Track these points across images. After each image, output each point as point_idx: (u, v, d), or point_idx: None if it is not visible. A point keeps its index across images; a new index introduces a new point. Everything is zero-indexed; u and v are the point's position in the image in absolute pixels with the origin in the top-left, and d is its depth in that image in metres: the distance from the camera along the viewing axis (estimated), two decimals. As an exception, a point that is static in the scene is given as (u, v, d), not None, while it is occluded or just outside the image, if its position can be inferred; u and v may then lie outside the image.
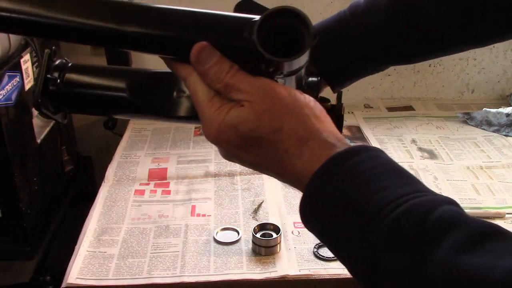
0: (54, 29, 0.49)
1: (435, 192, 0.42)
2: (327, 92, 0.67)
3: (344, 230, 0.42)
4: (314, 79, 0.61)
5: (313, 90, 0.61)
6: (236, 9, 0.54)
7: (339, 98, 0.61)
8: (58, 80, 0.62)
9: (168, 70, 0.52)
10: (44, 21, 0.48)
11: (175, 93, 0.56)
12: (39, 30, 0.49)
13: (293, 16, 0.45)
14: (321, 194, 0.43)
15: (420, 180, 0.43)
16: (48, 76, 0.61)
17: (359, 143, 0.98)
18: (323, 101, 0.60)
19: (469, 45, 0.65)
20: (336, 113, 0.60)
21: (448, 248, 0.37)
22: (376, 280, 0.40)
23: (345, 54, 0.64)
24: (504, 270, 0.34)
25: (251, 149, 0.46)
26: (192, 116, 0.55)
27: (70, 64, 0.64)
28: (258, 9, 0.54)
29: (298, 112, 0.45)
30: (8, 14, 0.48)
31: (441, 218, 0.38)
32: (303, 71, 0.48)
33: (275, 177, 0.49)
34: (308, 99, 0.47)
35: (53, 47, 0.62)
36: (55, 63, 0.63)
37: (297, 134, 0.45)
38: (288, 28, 0.45)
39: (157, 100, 0.56)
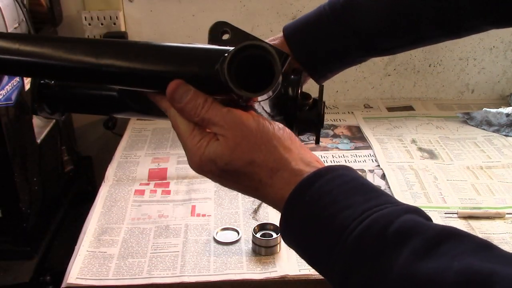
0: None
1: (398, 202, 0.44)
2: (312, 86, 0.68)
3: (316, 249, 0.46)
4: (295, 76, 0.62)
5: (294, 87, 0.63)
6: (210, 32, 0.57)
7: (320, 95, 0.63)
8: (52, 83, 0.64)
9: None
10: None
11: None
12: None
13: (261, 49, 0.46)
14: (294, 218, 0.47)
15: (386, 192, 0.46)
16: (42, 82, 0.63)
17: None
18: (305, 98, 0.62)
19: (445, 38, 0.69)
20: (317, 110, 0.63)
21: (406, 257, 0.39)
22: None
23: (326, 48, 0.68)
24: (456, 272, 0.36)
25: (231, 178, 0.50)
26: None
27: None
28: (233, 31, 0.58)
29: (267, 144, 0.49)
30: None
31: (400, 228, 0.41)
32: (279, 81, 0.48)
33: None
34: (277, 128, 0.50)
35: None
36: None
37: (268, 165, 0.49)
38: (259, 58, 0.47)
39: (144, 101, 0.56)
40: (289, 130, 0.51)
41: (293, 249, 0.49)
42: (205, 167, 0.50)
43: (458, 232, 0.40)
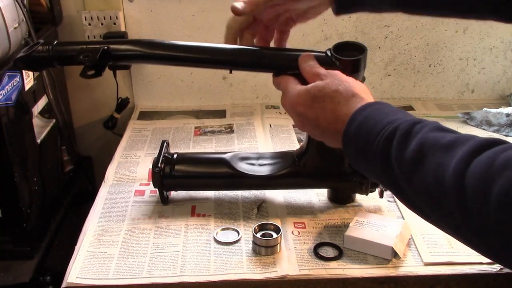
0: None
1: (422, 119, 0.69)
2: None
3: (374, 135, 0.66)
4: None
5: None
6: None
7: None
8: (169, 171, 0.97)
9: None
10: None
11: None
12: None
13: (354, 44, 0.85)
14: (362, 116, 0.69)
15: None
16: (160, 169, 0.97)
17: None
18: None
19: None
20: None
21: (426, 131, 0.64)
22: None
23: None
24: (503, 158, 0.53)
25: (317, 104, 0.73)
26: None
27: (175, 156, 0.99)
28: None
29: (346, 83, 0.74)
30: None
31: (427, 125, 0.66)
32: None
33: (323, 131, 0.74)
34: (356, 81, 0.76)
35: (167, 141, 1.03)
36: (165, 156, 0.98)
37: (348, 93, 0.72)
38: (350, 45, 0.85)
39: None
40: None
41: (350, 159, 0.71)
42: (300, 98, 0.75)
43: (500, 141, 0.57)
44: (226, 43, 0.88)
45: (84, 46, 0.85)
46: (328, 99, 0.72)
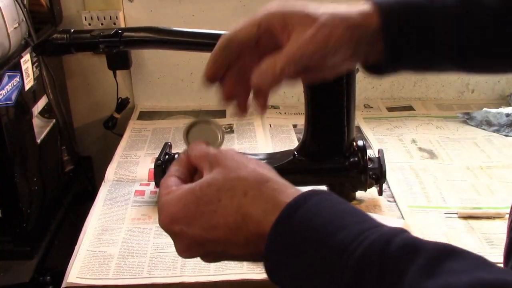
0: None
1: (386, 225, 0.43)
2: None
3: (311, 277, 0.41)
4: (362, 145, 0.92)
5: (363, 151, 0.96)
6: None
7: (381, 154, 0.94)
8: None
9: None
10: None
11: None
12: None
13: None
14: (283, 243, 0.43)
15: (368, 214, 0.45)
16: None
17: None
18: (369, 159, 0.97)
19: None
20: (380, 165, 1.00)
21: (413, 276, 0.37)
22: None
23: (424, 35, 0.55)
24: (467, 285, 0.36)
25: (207, 208, 0.46)
26: None
27: (176, 156, 0.97)
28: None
29: (257, 165, 0.49)
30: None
31: (402, 246, 0.39)
32: None
33: (230, 248, 0.47)
34: (269, 169, 0.50)
35: (169, 142, 1.03)
36: (167, 157, 0.97)
37: (256, 176, 0.47)
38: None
39: None
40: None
41: (282, 284, 0.44)
42: (178, 206, 0.47)
43: (457, 249, 0.40)
44: (212, 66, 0.57)
45: (100, 33, 0.91)
46: (225, 194, 0.46)
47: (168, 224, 0.47)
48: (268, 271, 0.44)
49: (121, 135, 1.32)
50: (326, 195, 0.45)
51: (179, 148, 1.23)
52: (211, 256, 0.49)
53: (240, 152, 0.51)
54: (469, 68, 0.58)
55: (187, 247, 0.48)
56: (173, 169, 0.52)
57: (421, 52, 0.55)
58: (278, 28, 0.53)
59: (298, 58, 0.52)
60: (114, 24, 1.37)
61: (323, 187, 1.02)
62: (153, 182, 1.01)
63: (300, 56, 0.51)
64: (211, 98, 1.49)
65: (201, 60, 1.44)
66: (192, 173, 0.52)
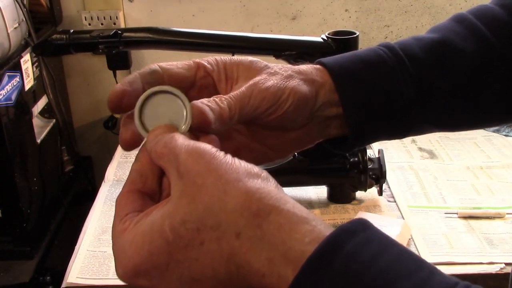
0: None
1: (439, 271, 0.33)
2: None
3: None
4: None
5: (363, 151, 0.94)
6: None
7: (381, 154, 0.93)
8: None
9: None
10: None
11: None
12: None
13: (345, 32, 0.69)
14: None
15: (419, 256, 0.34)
16: None
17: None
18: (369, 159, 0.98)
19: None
20: (380, 166, 1.00)
21: None
22: None
23: (387, 105, 0.49)
24: None
25: (184, 255, 0.33)
26: None
27: None
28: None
29: (246, 181, 0.33)
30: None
31: None
32: None
33: None
34: (259, 169, 0.36)
35: None
36: None
37: (251, 208, 0.32)
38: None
39: None
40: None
41: None
42: (141, 255, 0.34)
43: None
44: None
45: (100, 33, 0.90)
46: (208, 235, 0.33)
47: (131, 278, 0.35)
48: None
49: (121, 135, 1.32)
50: (364, 233, 0.33)
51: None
52: None
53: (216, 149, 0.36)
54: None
55: None
56: (132, 176, 0.39)
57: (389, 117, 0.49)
58: (219, 78, 0.44)
59: (247, 106, 0.42)
60: (114, 24, 1.37)
61: (324, 187, 1.02)
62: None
63: (250, 104, 0.42)
64: (211, 98, 1.49)
65: (201, 60, 1.44)
66: (158, 175, 0.38)
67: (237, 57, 0.44)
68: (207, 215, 0.32)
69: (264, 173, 0.35)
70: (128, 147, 0.41)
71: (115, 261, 0.36)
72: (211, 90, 0.43)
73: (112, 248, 0.36)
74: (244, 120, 0.42)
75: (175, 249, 0.33)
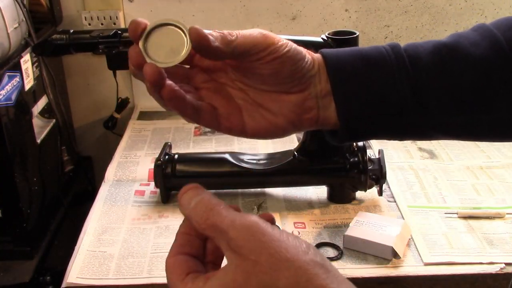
0: None
1: None
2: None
3: None
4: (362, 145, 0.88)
5: (363, 151, 0.95)
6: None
7: (381, 155, 0.92)
8: (170, 170, 0.97)
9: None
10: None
11: None
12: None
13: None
14: None
15: None
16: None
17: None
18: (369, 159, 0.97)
19: None
20: (380, 166, 0.99)
21: None
22: None
23: (381, 103, 0.50)
24: None
25: None
26: None
27: (176, 156, 0.99)
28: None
29: (296, 260, 0.36)
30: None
31: None
32: None
33: None
34: (306, 245, 0.38)
35: (170, 143, 1.05)
36: (167, 157, 0.98)
37: (300, 287, 0.35)
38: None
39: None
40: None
41: None
42: None
43: None
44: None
45: (100, 33, 0.92)
46: None
47: None
48: None
49: (121, 135, 1.32)
50: None
51: (179, 148, 1.23)
52: None
53: (265, 222, 0.39)
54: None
55: None
56: (180, 240, 0.42)
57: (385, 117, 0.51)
58: None
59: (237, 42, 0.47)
60: (114, 24, 1.37)
61: (324, 187, 1.02)
62: (153, 182, 1.01)
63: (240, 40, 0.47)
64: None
65: (201, 60, 1.45)
66: (203, 240, 0.42)
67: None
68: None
69: (312, 250, 0.37)
70: (136, 66, 0.46)
71: None
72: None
73: None
74: (244, 51, 0.47)
75: None
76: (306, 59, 0.50)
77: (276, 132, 0.52)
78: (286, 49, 0.48)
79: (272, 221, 0.40)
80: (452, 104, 0.50)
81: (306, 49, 0.51)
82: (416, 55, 0.50)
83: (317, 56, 0.52)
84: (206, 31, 0.45)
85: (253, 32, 0.48)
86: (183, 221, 0.43)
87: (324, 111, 0.51)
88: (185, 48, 0.44)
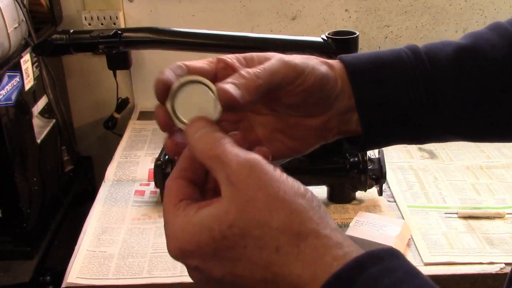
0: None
1: None
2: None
3: None
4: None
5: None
6: None
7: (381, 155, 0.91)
8: (170, 170, 0.90)
9: None
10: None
11: None
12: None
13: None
14: None
15: None
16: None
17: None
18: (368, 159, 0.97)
19: None
20: (380, 166, 0.98)
21: None
22: None
23: (403, 107, 0.49)
24: None
25: (228, 254, 0.36)
26: None
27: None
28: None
29: (292, 201, 0.37)
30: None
31: None
32: None
33: None
34: (304, 188, 0.39)
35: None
36: (167, 157, 0.97)
37: (293, 228, 0.36)
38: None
39: None
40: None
41: None
42: (191, 241, 0.37)
43: None
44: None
45: (100, 33, 0.90)
46: (251, 244, 0.36)
47: (179, 257, 0.40)
48: None
49: (121, 135, 1.32)
50: (391, 261, 0.35)
51: (179, 148, 1.23)
52: None
53: (268, 164, 0.38)
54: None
55: (205, 282, 0.39)
56: (183, 164, 0.41)
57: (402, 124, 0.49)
58: (236, 70, 0.45)
59: (271, 74, 0.44)
60: (114, 24, 1.37)
61: (324, 187, 1.02)
62: (153, 182, 1.01)
63: (274, 72, 0.44)
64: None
65: (201, 60, 1.44)
66: (204, 170, 0.41)
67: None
68: (253, 225, 0.36)
69: (309, 193, 0.38)
70: (165, 127, 0.43)
71: (166, 240, 0.40)
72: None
73: (164, 227, 0.40)
74: (271, 87, 0.44)
75: (220, 246, 0.36)
76: (330, 81, 0.48)
77: (291, 155, 0.51)
78: (313, 78, 0.46)
79: (266, 158, 0.39)
80: (476, 107, 0.50)
81: (324, 61, 0.48)
82: (436, 58, 0.49)
83: (338, 68, 0.49)
84: (230, 80, 0.42)
85: (275, 65, 0.44)
86: (188, 146, 0.42)
87: (345, 126, 0.50)
88: (217, 111, 0.41)
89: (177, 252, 0.39)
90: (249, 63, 0.45)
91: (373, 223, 0.88)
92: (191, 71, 0.43)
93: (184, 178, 0.41)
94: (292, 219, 0.36)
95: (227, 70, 0.44)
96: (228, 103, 0.40)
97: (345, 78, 0.49)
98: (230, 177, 0.37)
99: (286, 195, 0.37)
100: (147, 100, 1.49)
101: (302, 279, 0.35)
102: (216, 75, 0.45)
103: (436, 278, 0.83)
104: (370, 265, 0.34)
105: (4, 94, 0.98)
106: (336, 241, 0.36)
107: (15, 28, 1.04)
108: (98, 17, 1.36)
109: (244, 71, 0.42)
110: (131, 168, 1.15)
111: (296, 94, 0.46)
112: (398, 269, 0.35)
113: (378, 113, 0.49)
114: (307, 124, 0.49)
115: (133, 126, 1.36)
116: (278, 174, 0.38)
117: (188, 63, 0.44)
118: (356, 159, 0.95)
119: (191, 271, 0.40)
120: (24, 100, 1.07)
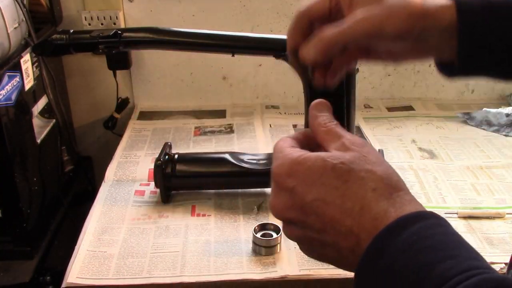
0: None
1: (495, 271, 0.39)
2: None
3: None
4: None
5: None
6: None
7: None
8: (170, 170, 0.97)
9: None
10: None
11: None
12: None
13: None
14: (383, 257, 0.40)
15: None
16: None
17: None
18: None
19: None
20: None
21: None
22: None
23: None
24: None
25: (330, 182, 0.43)
26: None
27: (176, 156, 0.99)
28: None
29: (388, 166, 0.45)
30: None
31: None
32: None
33: (328, 233, 0.43)
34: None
35: (170, 142, 1.05)
36: (167, 157, 0.98)
37: (392, 180, 0.43)
38: None
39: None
40: None
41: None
42: (301, 165, 0.43)
43: None
44: (289, 40, 0.55)
45: (100, 33, 0.90)
46: (354, 179, 0.43)
47: (283, 175, 0.44)
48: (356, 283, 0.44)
49: (121, 135, 1.32)
50: (444, 221, 0.42)
51: (179, 148, 1.23)
52: (303, 236, 0.45)
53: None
54: None
55: (289, 206, 0.44)
56: (294, 136, 0.48)
57: (501, 56, 0.49)
58: (345, 3, 0.50)
59: (347, 35, 0.48)
60: (114, 24, 1.37)
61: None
62: (153, 182, 1.01)
63: (350, 33, 0.48)
64: (211, 98, 1.49)
65: (201, 60, 1.45)
66: (312, 149, 0.47)
67: None
68: (361, 169, 0.43)
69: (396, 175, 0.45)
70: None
71: (274, 161, 0.45)
72: (341, 15, 0.51)
73: (274, 156, 0.46)
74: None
75: (327, 174, 0.43)
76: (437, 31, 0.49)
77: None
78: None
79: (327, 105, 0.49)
80: None
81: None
82: None
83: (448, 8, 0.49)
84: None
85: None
86: (301, 131, 0.50)
87: (440, 50, 0.51)
88: None
89: (285, 168, 0.44)
90: (352, 5, 0.50)
91: (373, 223, 0.88)
92: (311, 11, 0.52)
93: (294, 139, 0.48)
94: (392, 176, 0.43)
95: (338, 5, 0.51)
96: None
97: (449, 18, 0.49)
98: (345, 143, 0.45)
99: (390, 168, 0.44)
100: (147, 100, 1.49)
101: (387, 214, 0.41)
102: (331, 14, 0.51)
103: (436, 278, 0.83)
104: (415, 222, 0.41)
105: (4, 94, 0.98)
106: (417, 201, 0.44)
107: (15, 28, 1.04)
108: (98, 17, 1.36)
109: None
110: (131, 168, 1.15)
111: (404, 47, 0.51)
112: (439, 226, 0.41)
113: (479, 51, 0.49)
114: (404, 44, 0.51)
115: (133, 126, 1.36)
116: (379, 161, 0.45)
117: (306, 4, 0.53)
118: None
119: (282, 193, 0.44)
120: (24, 100, 1.07)
